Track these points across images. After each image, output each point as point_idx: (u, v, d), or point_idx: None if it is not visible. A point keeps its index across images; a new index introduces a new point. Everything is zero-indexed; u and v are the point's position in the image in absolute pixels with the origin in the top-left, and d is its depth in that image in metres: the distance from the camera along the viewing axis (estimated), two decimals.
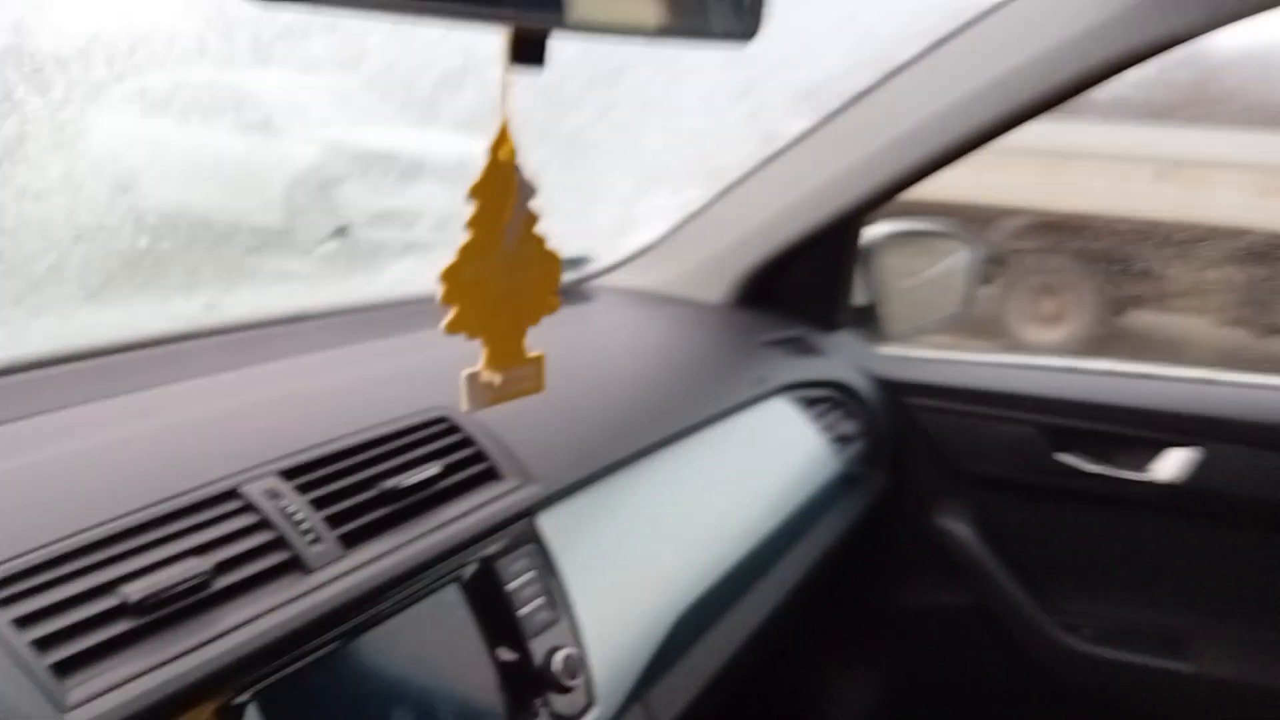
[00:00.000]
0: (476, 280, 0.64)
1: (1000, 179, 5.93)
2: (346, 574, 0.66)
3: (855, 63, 1.25)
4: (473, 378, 0.66)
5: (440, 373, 0.98)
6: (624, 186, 1.46)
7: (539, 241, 0.68)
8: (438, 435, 0.84)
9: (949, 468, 1.51)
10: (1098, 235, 6.41)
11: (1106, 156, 6.23)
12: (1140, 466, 1.38)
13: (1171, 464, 1.35)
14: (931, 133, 1.27)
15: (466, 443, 0.85)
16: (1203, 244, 6.08)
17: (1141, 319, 6.64)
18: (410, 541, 0.72)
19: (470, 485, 0.82)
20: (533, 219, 0.67)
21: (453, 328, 0.63)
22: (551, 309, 0.69)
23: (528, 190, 0.66)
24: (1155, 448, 1.37)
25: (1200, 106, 7.13)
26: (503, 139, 0.63)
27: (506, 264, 0.66)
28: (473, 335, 0.65)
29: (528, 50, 0.61)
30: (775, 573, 1.16)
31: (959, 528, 1.50)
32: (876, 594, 1.61)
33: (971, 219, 1.65)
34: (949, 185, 1.37)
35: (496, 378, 0.67)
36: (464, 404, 0.67)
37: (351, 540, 0.69)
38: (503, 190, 0.64)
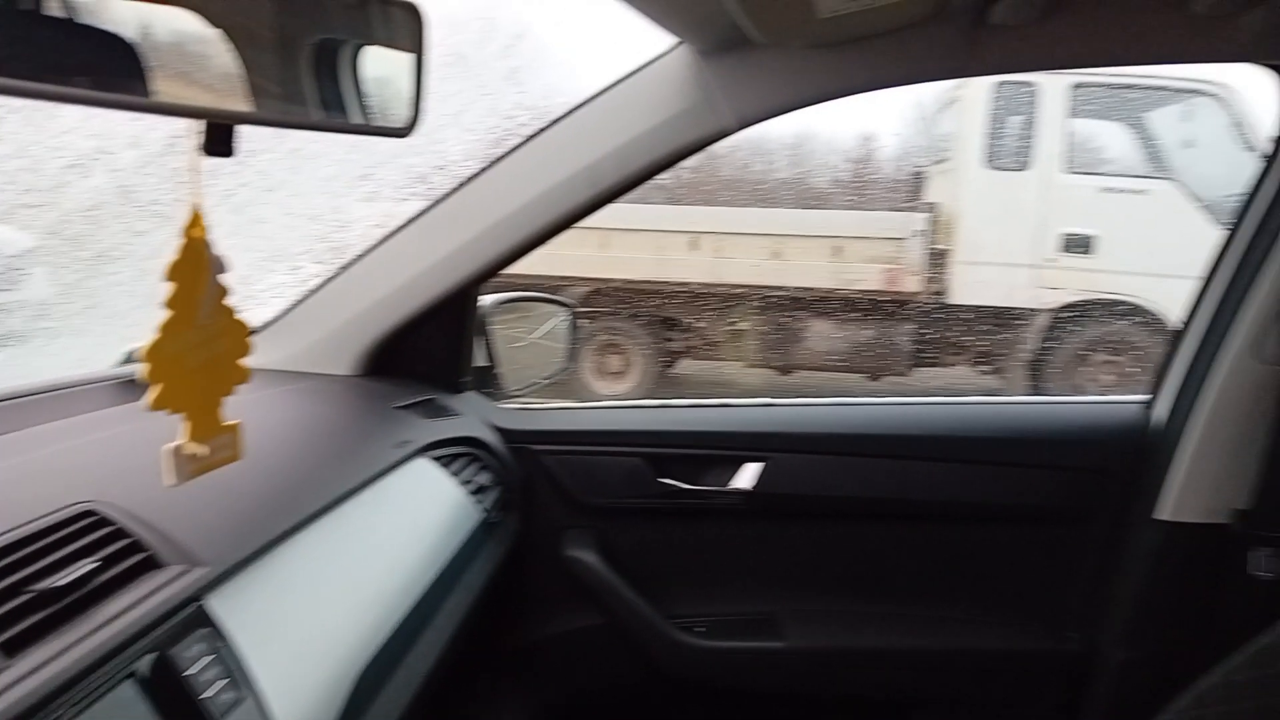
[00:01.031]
0: (176, 356, 0.66)
1: (562, 253, 6.50)
2: (15, 683, 0.62)
3: (462, 153, 1.39)
4: (176, 452, 0.67)
5: (79, 463, 0.93)
6: (243, 266, 1.45)
7: (230, 313, 0.71)
8: (88, 529, 0.80)
9: (572, 503, 1.66)
10: (648, 298, 7.24)
11: (645, 231, 7.06)
12: (724, 481, 1.64)
13: (747, 475, 1.63)
14: (530, 213, 1.43)
15: (120, 534, 0.82)
16: (732, 301, 7.16)
17: (689, 367, 7.61)
18: (77, 642, 0.69)
19: (131, 576, 0.79)
20: (223, 292, 0.71)
21: (157, 405, 0.65)
22: (244, 378, 0.73)
23: (218, 266, 0.69)
24: (735, 463, 1.64)
25: (712, 188, 8.40)
26: (195, 220, 0.67)
27: (202, 338, 0.68)
28: (174, 410, 0.67)
29: (218, 140, 0.66)
30: (436, 623, 1.21)
31: (586, 556, 1.66)
32: (522, 629, 1.72)
33: (543, 289, 1.86)
34: (523, 260, 1.54)
35: (200, 449, 0.69)
36: (168, 478, 0.68)
37: (13, 648, 0.65)
38: (196, 268, 0.67)
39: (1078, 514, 1.64)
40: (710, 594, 1.72)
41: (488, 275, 1.50)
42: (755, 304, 7.14)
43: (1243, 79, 5.96)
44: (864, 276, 6.90)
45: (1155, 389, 1.62)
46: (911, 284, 6.88)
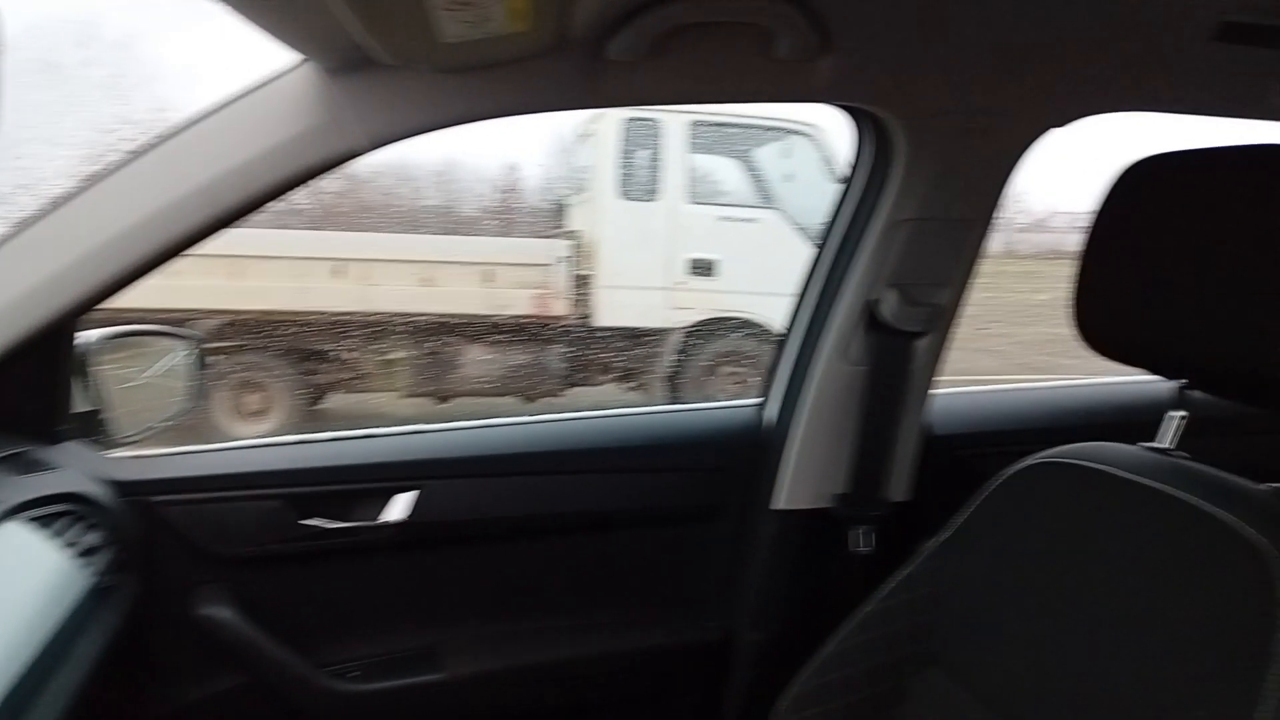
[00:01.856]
0: None
1: (188, 283, 5.95)
2: None
3: (51, 171, 1.22)
4: None
5: None
6: None
7: None
8: None
9: (203, 556, 1.52)
10: (289, 330, 6.85)
11: (283, 258, 6.70)
12: (373, 514, 1.58)
13: (399, 506, 1.58)
14: (138, 237, 1.28)
15: None
16: (383, 330, 7.00)
17: (339, 400, 7.29)
18: None
19: None
20: None
21: None
22: None
23: None
24: (385, 495, 1.58)
25: (354, 213, 8.15)
26: None
27: None
28: None
29: None
30: (40, 705, 1.06)
31: (221, 612, 1.52)
32: (152, 700, 1.54)
33: (165, 322, 1.69)
34: (139, 293, 1.39)
35: None
36: None
37: None
38: None
39: (708, 511, 1.79)
40: (368, 635, 1.66)
41: (87, 307, 1.33)
42: (407, 332, 7.04)
43: (828, 120, 6.94)
44: (514, 301, 7.10)
45: (766, 392, 1.81)
46: (559, 308, 7.19)
